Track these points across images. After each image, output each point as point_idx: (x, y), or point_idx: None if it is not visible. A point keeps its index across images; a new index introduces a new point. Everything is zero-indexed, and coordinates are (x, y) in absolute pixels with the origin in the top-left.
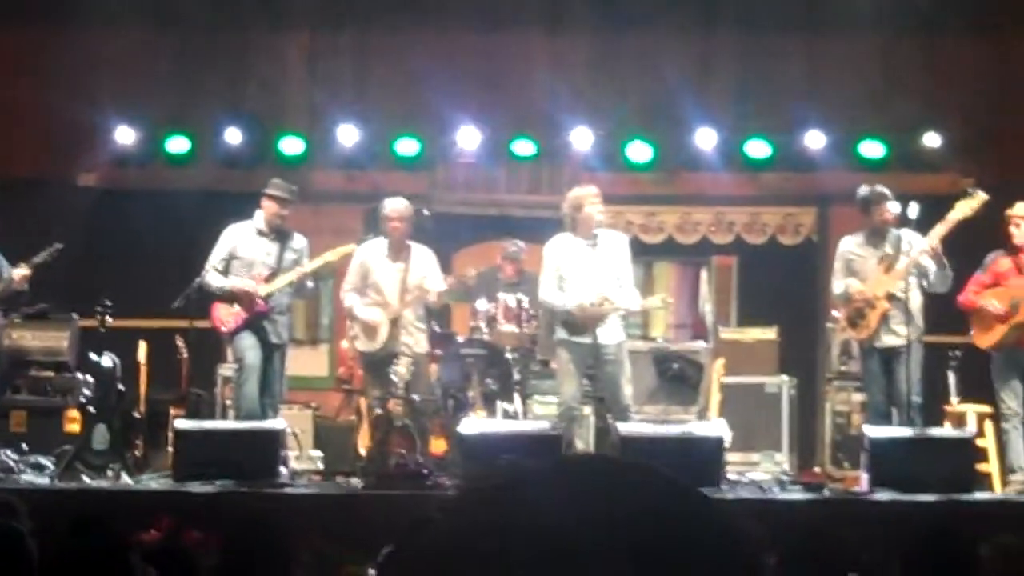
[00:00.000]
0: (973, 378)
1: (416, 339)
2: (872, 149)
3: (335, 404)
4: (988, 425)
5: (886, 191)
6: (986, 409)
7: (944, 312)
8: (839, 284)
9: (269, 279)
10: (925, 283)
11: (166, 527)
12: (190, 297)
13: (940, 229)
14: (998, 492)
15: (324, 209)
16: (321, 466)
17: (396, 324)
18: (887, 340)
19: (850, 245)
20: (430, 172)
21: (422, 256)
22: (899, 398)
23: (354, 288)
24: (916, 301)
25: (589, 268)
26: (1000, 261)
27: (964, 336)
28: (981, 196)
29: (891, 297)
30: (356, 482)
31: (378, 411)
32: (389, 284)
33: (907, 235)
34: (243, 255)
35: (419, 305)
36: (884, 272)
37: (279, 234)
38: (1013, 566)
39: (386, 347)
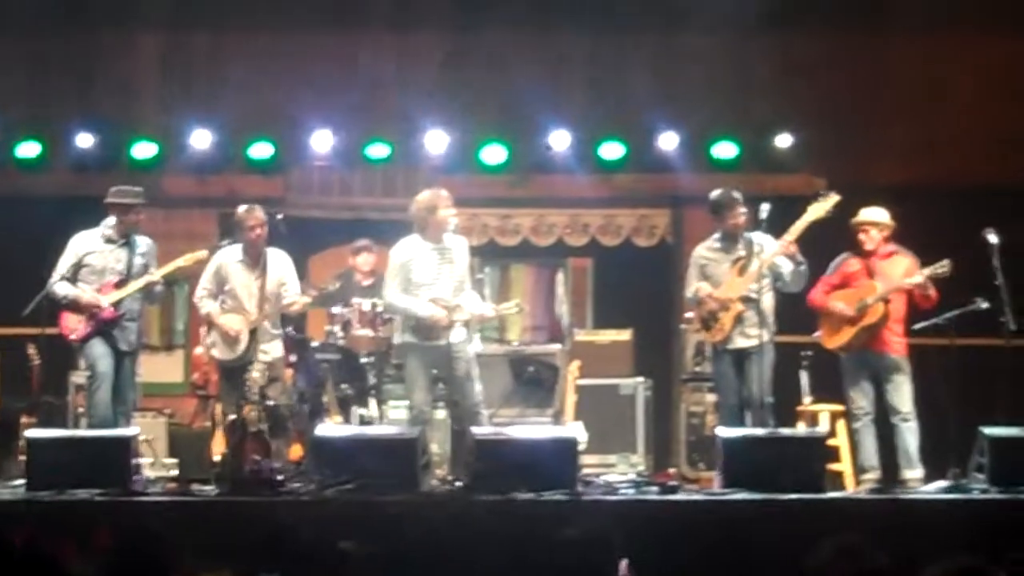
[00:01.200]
0: (825, 378)
1: (272, 345)
2: (725, 150)
3: (190, 410)
4: (840, 424)
5: (737, 195)
6: (838, 408)
7: (797, 313)
8: (690, 288)
9: (119, 285)
10: (779, 284)
11: (26, 536)
12: (41, 305)
13: (795, 229)
14: (850, 491)
15: (177, 214)
16: (176, 473)
17: (255, 333)
18: (739, 342)
19: (702, 250)
20: (284, 176)
21: (279, 262)
22: (751, 399)
23: (209, 294)
24: (768, 303)
25: (438, 272)
26: (850, 262)
27: (814, 336)
28: (834, 198)
29: (744, 299)
30: (211, 489)
31: (232, 417)
32: (246, 291)
33: (759, 237)
34: (92, 262)
35: (275, 316)
36: (737, 275)
37: (128, 239)
38: (855, 565)
39: (245, 356)
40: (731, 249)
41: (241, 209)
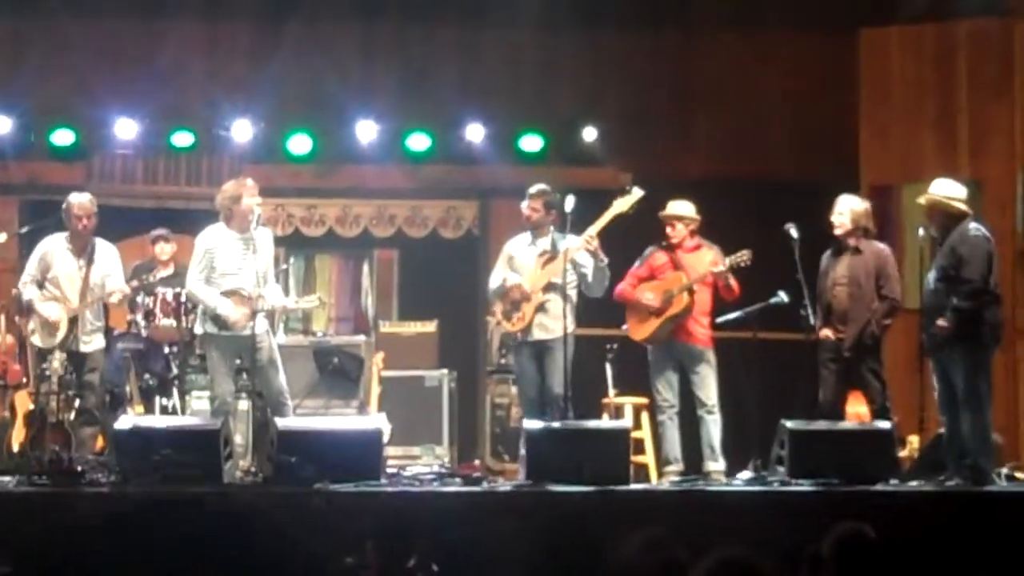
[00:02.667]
0: (630, 371)
1: (93, 336)
2: (531, 143)
3: None
4: (644, 417)
5: (556, 192)
6: (642, 401)
7: (603, 306)
8: (496, 277)
9: None
10: (583, 285)
11: None
12: None
13: (598, 224)
14: (654, 483)
15: None
16: None
17: (75, 322)
18: (538, 334)
19: (513, 247)
20: (86, 163)
21: (106, 254)
22: (549, 392)
23: (33, 281)
24: (571, 297)
25: (242, 262)
26: (656, 255)
27: (621, 329)
28: (638, 193)
29: (546, 290)
30: (9, 480)
31: (31, 407)
32: (70, 281)
33: (565, 232)
34: None
35: (99, 303)
36: (542, 267)
37: None
38: (659, 556)
39: (64, 345)
40: (538, 242)
41: (72, 198)
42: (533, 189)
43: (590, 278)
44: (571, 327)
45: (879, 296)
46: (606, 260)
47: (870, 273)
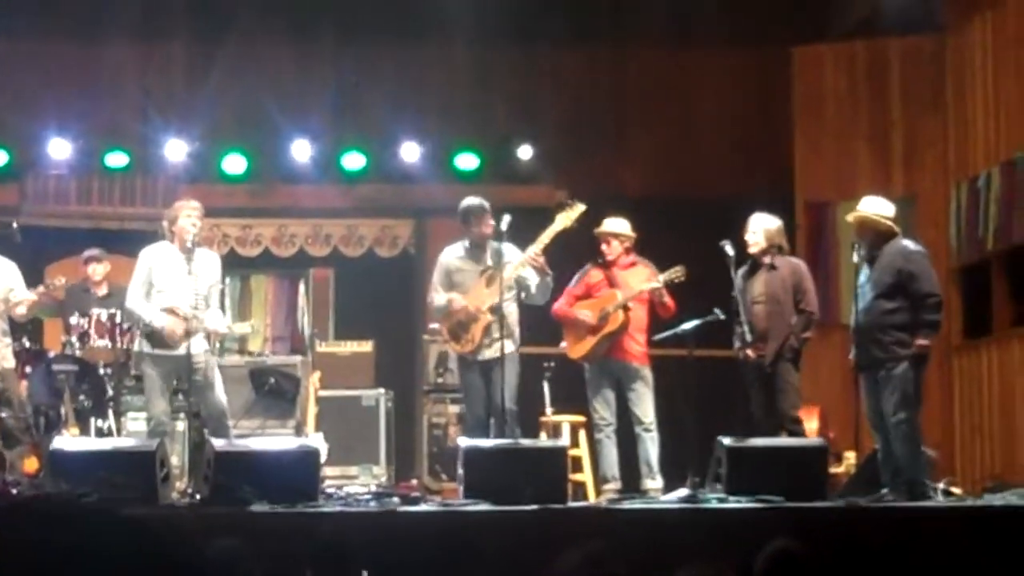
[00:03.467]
0: (567, 389)
1: (2, 353)
2: (467, 161)
3: None
4: (582, 435)
5: (486, 204)
6: (580, 419)
7: (540, 323)
8: (441, 297)
9: None
10: (524, 295)
11: None
12: None
13: (542, 240)
14: (592, 501)
15: None
16: None
17: None
18: (487, 353)
19: (451, 257)
20: (19, 183)
21: (6, 271)
22: (496, 408)
23: None
24: (514, 313)
25: (181, 282)
26: (592, 273)
27: (558, 347)
28: (579, 207)
29: (493, 310)
30: None
31: None
32: None
33: (506, 248)
34: None
35: (4, 319)
36: (485, 285)
37: None
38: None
39: None
40: (479, 259)
41: None
42: (481, 204)
43: (533, 290)
44: (516, 344)
45: (797, 310)
46: (551, 274)
47: (787, 289)
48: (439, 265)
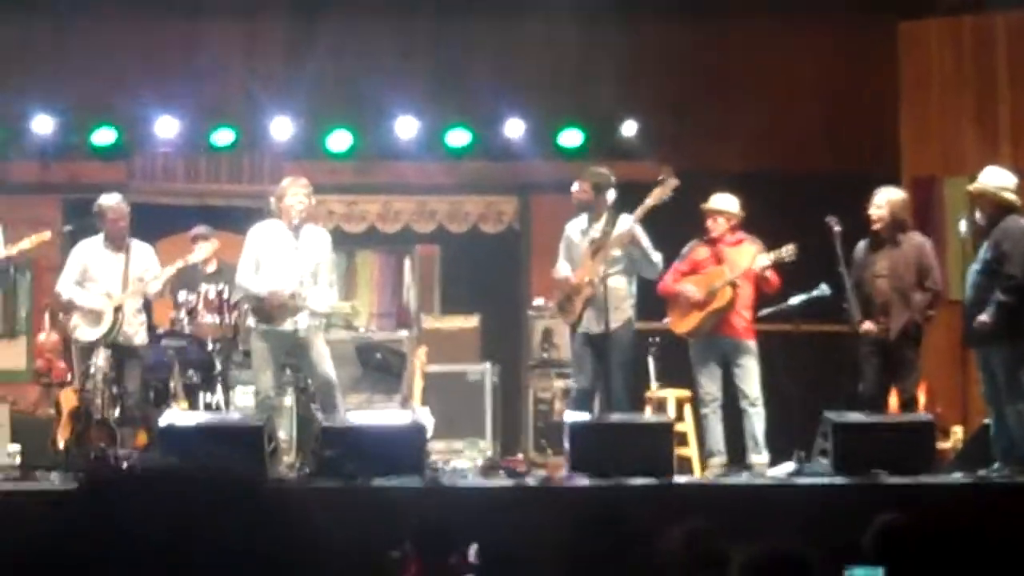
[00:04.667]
0: (672, 364)
1: (136, 331)
2: (571, 138)
3: (33, 398)
4: (687, 410)
5: (611, 176)
6: (685, 394)
7: (643, 299)
8: (560, 266)
9: None
10: (639, 267)
11: None
12: None
13: (636, 215)
14: (697, 476)
15: (20, 199)
16: (19, 460)
17: (119, 313)
18: (592, 327)
19: (571, 228)
20: (127, 162)
21: (143, 252)
22: (604, 383)
23: (73, 283)
24: (622, 287)
25: (287, 258)
26: (698, 250)
27: (662, 323)
28: (672, 182)
29: (594, 282)
30: (55, 477)
31: (76, 404)
32: (111, 277)
33: (622, 220)
34: None
35: (139, 297)
36: (591, 257)
37: None
38: (703, 548)
39: (108, 336)
40: (592, 230)
41: (104, 201)
42: (586, 172)
43: (637, 264)
44: (625, 317)
45: (922, 288)
46: (648, 249)
47: (910, 265)
48: (564, 234)
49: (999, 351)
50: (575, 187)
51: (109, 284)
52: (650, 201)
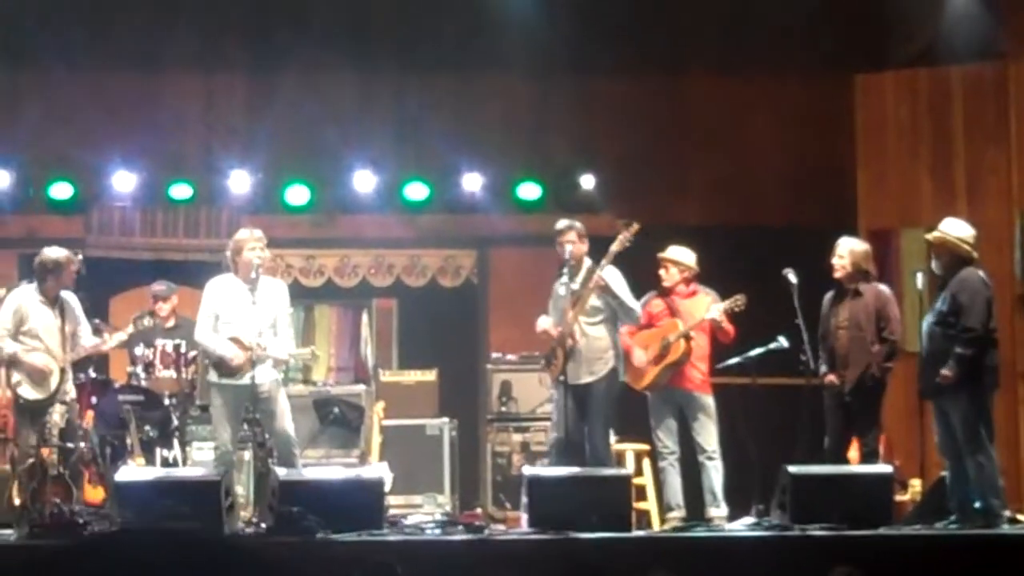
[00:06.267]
0: (630, 417)
1: (71, 387)
2: (529, 191)
3: None
4: (646, 463)
5: (563, 224)
6: (643, 448)
7: None
8: (540, 320)
9: None
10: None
11: None
12: None
13: (603, 263)
14: (656, 529)
15: None
16: None
17: (63, 372)
18: (573, 377)
19: (557, 284)
20: (84, 216)
21: (73, 304)
22: (581, 435)
23: (9, 335)
24: (602, 337)
25: (246, 311)
26: (653, 303)
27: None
28: (635, 226)
29: (573, 335)
30: (10, 533)
31: (32, 460)
32: (49, 333)
33: (607, 272)
34: None
35: (77, 354)
36: (571, 307)
37: None
38: None
39: (54, 396)
40: (571, 283)
41: (53, 253)
42: (562, 225)
43: (617, 313)
44: (604, 368)
45: (880, 339)
46: (619, 297)
47: (871, 315)
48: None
49: (957, 403)
50: (571, 238)
51: (49, 340)
52: (615, 247)
